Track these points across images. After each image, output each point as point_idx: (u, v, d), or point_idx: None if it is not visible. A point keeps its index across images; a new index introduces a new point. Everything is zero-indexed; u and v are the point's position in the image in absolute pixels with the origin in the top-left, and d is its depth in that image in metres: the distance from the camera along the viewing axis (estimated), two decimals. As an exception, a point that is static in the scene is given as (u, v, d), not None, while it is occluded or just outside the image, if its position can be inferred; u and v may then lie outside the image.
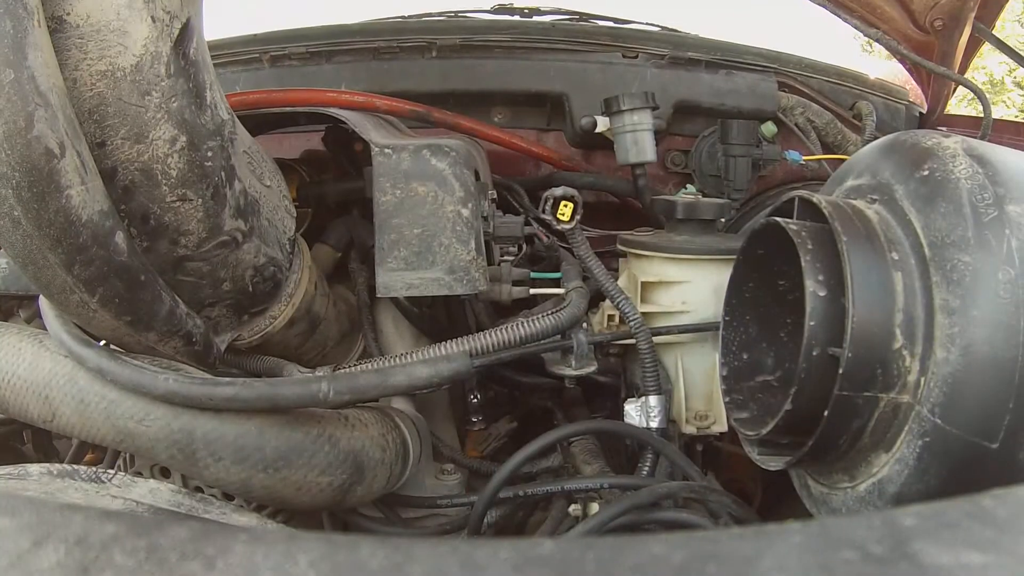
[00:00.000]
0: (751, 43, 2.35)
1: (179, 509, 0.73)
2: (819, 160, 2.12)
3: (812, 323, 0.94)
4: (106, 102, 0.92)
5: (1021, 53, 2.15)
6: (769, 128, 2.10)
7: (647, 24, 2.61)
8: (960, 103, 5.56)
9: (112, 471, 0.84)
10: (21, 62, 0.78)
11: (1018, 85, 11.26)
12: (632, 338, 1.41)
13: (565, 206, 1.44)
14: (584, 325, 1.45)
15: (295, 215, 1.35)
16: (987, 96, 2.23)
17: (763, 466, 1.12)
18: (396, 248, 1.30)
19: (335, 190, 1.68)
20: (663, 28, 2.62)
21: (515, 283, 1.53)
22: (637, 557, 0.25)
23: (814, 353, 0.94)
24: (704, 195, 1.76)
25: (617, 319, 1.53)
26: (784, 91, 2.27)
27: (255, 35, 2.30)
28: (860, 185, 1.09)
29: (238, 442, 1.04)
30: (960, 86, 2.38)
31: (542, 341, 1.37)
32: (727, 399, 1.20)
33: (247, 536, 0.27)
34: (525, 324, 1.34)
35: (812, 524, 0.28)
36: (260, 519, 0.77)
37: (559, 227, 1.45)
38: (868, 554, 0.25)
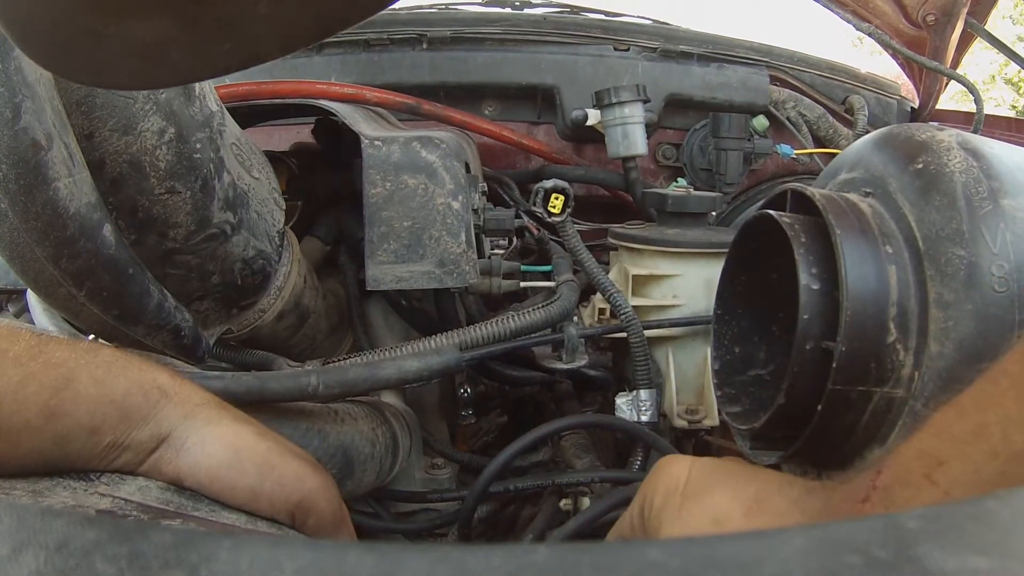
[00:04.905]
0: (742, 37, 2.35)
1: (168, 507, 0.72)
2: (811, 154, 2.12)
3: (805, 317, 0.93)
4: (94, 93, 0.90)
5: (1013, 49, 2.16)
6: (761, 122, 2.10)
7: (638, 17, 2.60)
8: (950, 99, 5.57)
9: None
10: (8, 52, 0.77)
11: (1009, 82, 11.32)
12: (623, 332, 1.40)
13: (556, 199, 1.44)
14: (575, 319, 1.44)
15: (284, 208, 1.34)
16: (979, 91, 2.23)
17: (755, 461, 1.12)
18: (386, 241, 1.29)
19: (325, 183, 1.67)
20: (654, 21, 2.61)
21: (505, 276, 1.53)
22: (634, 563, 0.25)
23: (807, 347, 0.93)
24: (695, 189, 1.76)
25: (608, 312, 1.52)
26: (776, 85, 2.27)
27: (244, 26, 2.28)
28: (853, 179, 1.08)
29: (227, 437, 1.04)
30: (951, 81, 2.39)
31: (533, 335, 1.37)
32: (719, 393, 1.20)
33: (232, 543, 0.26)
34: (515, 317, 1.34)
35: (814, 527, 0.27)
36: (249, 517, 0.76)
37: (550, 220, 1.45)
38: (872, 558, 0.25)
